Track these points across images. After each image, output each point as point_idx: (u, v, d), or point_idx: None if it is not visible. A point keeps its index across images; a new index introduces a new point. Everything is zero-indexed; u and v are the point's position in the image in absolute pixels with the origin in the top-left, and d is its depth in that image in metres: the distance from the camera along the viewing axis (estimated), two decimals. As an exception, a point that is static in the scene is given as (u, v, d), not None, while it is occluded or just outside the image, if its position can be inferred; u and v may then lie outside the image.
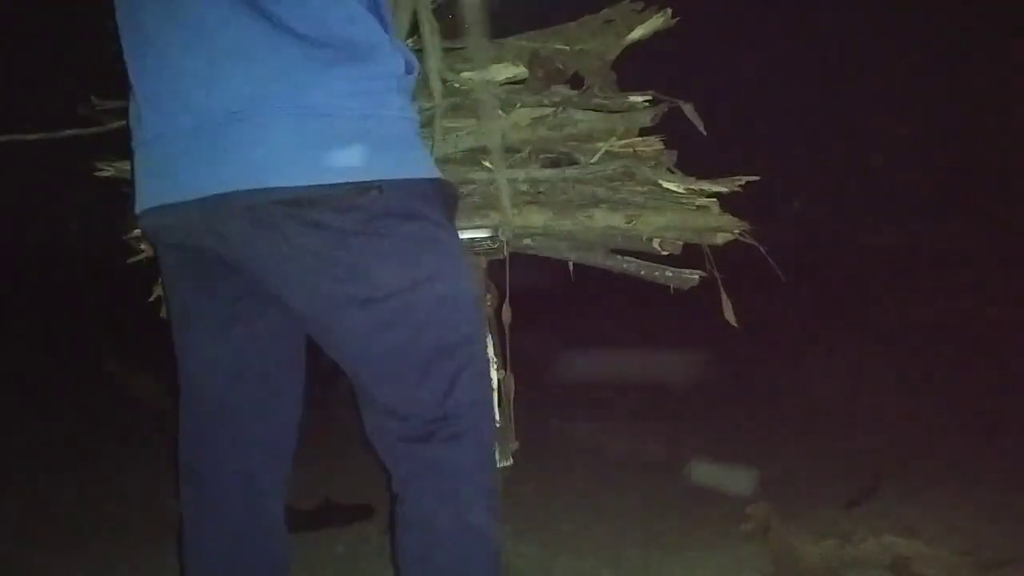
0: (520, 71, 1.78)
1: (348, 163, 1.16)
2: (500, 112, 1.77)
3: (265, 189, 1.15)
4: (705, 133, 1.75)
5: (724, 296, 1.75)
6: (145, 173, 1.30)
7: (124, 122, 1.79)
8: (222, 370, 1.35)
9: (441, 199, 1.30)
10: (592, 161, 1.75)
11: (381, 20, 1.24)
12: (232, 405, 1.37)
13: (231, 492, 1.39)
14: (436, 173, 1.30)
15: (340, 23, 1.18)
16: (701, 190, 1.73)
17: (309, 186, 1.15)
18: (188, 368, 1.39)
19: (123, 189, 1.88)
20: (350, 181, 1.16)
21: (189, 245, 1.28)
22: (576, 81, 1.83)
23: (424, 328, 1.24)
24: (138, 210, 1.31)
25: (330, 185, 1.16)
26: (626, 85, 1.83)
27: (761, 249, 1.77)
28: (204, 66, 1.17)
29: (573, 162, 1.79)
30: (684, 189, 1.73)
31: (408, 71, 1.27)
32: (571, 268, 1.89)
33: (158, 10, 1.20)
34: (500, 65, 1.76)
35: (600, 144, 1.73)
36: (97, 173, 1.85)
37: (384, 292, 1.21)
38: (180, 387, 1.41)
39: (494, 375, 1.81)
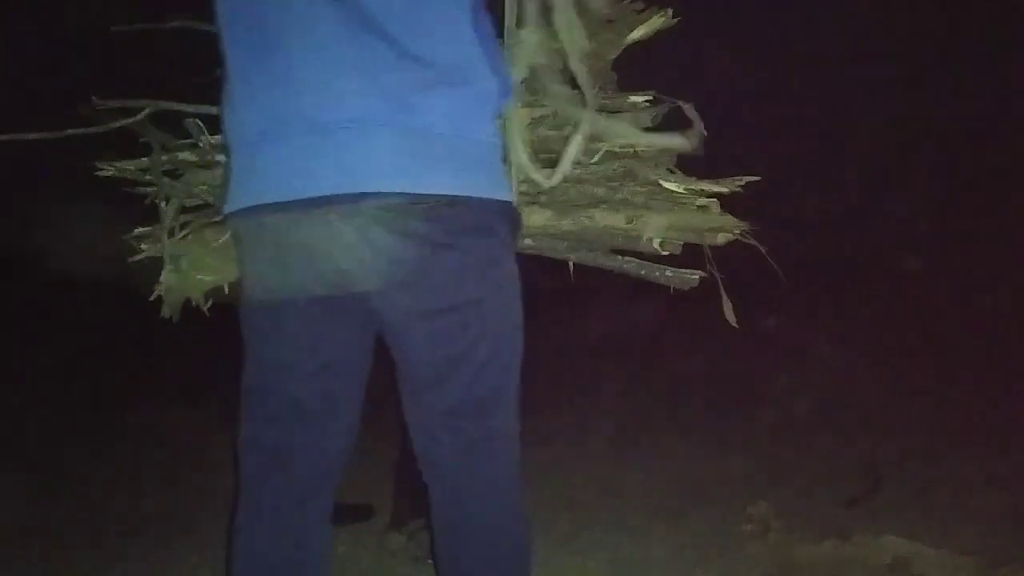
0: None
1: (440, 178, 1.26)
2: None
3: (364, 194, 1.23)
4: (705, 133, 1.75)
5: (724, 296, 1.75)
6: (245, 172, 1.34)
7: (125, 122, 1.81)
8: (302, 363, 1.38)
9: (512, 220, 1.40)
10: (592, 161, 1.75)
11: (483, 43, 1.32)
12: (307, 398, 1.39)
13: (294, 480, 1.42)
14: (512, 197, 1.40)
15: (446, 46, 1.27)
16: (701, 190, 1.73)
17: (404, 194, 1.24)
18: (264, 356, 1.40)
19: (124, 189, 1.89)
20: (441, 193, 1.26)
21: (282, 243, 1.31)
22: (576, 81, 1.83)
23: (480, 341, 1.34)
24: (234, 207, 1.35)
25: (423, 195, 1.25)
26: (627, 85, 1.83)
27: (761, 249, 1.77)
28: (319, 76, 1.25)
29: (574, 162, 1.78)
30: (684, 189, 1.73)
31: (503, 95, 1.36)
32: (571, 268, 1.89)
33: (280, 19, 1.27)
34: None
35: (601, 144, 1.73)
36: (98, 173, 1.85)
37: (455, 303, 1.31)
38: (250, 375, 1.42)
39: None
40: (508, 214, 1.38)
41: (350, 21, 1.24)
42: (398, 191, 1.24)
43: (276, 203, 1.28)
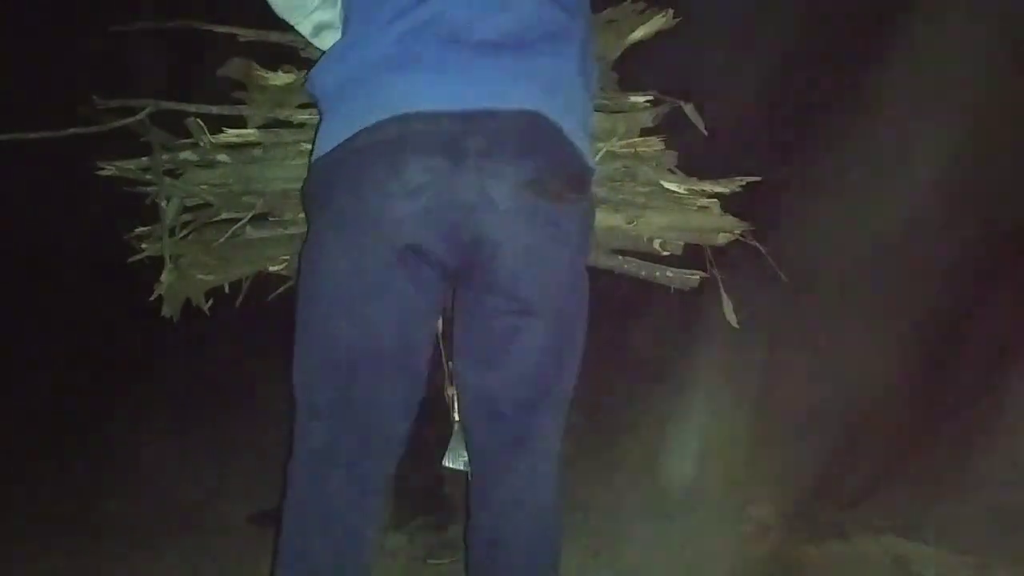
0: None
1: (584, 145, 1.32)
2: None
3: (534, 112, 1.25)
4: (706, 133, 1.75)
5: (724, 296, 1.75)
6: (374, 91, 1.26)
7: (125, 121, 1.81)
8: (369, 331, 1.31)
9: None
10: (594, 161, 1.75)
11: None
12: (369, 366, 1.33)
13: (359, 441, 1.37)
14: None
15: (581, 24, 1.35)
16: (702, 191, 1.73)
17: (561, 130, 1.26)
18: (329, 300, 1.33)
19: (125, 188, 1.89)
20: (586, 164, 1.33)
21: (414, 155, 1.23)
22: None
23: (561, 341, 1.38)
24: (371, 121, 1.25)
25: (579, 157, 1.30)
26: (628, 85, 1.83)
27: (761, 249, 1.77)
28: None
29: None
30: (685, 190, 1.73)
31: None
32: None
33: None
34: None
35: (601, 144, 1.73)
36: (99, 172, 1.85)
37: (560, 300, 1.35)
38: (306, 316, 1.36)
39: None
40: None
41: None
42: (539, 111, 1.24)
43: (425, 112, 1.22)
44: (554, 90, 1.28)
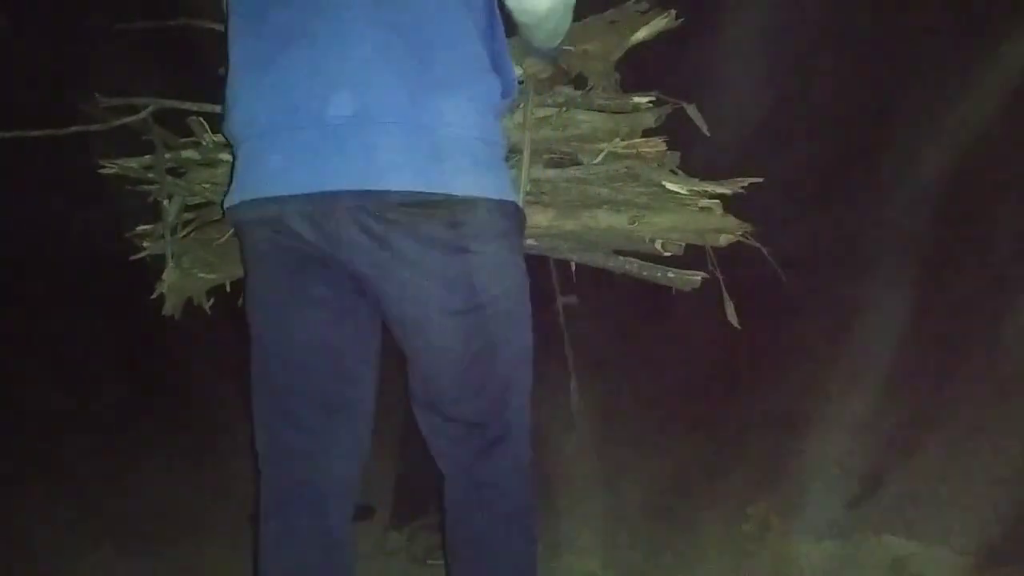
0: (519, 72, 1.78)
1: (455, 178, 1.25)
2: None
3: (376, 192, 1.22)
4: (708, 134, 1.75)
5: (726, 297, 1.75)
6: (252, 164, 1.32)
7: (127, 119, 1.81)
8: (308, 356, 1.37)
9: (519, 222, 1.42)
10: (595, 162, 1.75)
11: (491, 44, 1.32)
12: (328, 395, 1.39)
13: (311, 470, 1.40)
14: (518, 198, 1.42)
15: (453, 47, 1.27)
16: (704, 191, 1.73)
17: (419, 192, 1.22)
18: (268, 351, 1.40)
19: (127, 187, 1.89)
20: (458, 195, 1.25)
21: (285, 239, 1.30)
22: (580, 82, 1.83)
23: (494, 340, 1.36)
24: (237, 200, 1.33)
25: (441, 195, 1.23)
26: (630, 86, 1.83)
27: (763, 250, 1.77)
28: (329, 70, 1.23)
29: (576, 163, 1.79)
30: (688, 191, 1.73)
31: (504, 95, 1.34)
32: (573, 268, 1.89)
33: (289, 15, 1.26)
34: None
35: (603, 145, 1.73)
36: (101, 171, 1.85)
37: (472, 305, 1.32)
38: (254, 367, 1.41)
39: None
40: (515, 215, 1.39)
41: (359, 19, 1.23)
42: (410, 190, 1.23)
43: (283, 196, 1.27)
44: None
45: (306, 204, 1.25)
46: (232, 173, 1.39)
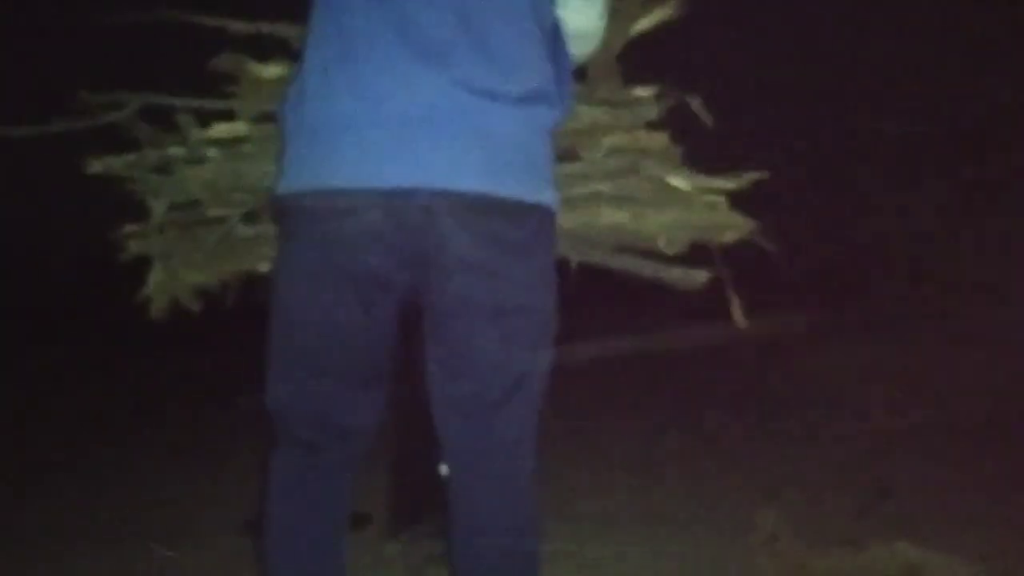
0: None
1: (516, 183, 1.32)
2: None
3: (447, 191, 1.28)
4: (712, 127, 1.71)
5: (732, 296, 1.71)
6: (314, 156, 1.35)
7: (112, 116, 1.77)
8: (333, 344, 1.40)
9: (556, 233, 1.47)
10: (596, 156, 1.71)
11: (557, 67, 1.40)
12: (336, 361, 1.41)
13: (322, 450, 1.44)
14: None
15: (526, 63, 1.34)
16: (709, 187, 1.70)
17: (486, 194, 1.29)
18: (301, 346, 1.42)
19: (114, 186, 1.85)
20: (522, 199, 1.32)
21: (343, 229, 1.32)
22: (580, 74, 1.79)
23: (527, 347, 1.39)
24: (298, 188, 1.36)
25: (504, 197, 1.30)
26: (632, 78, 1.79)
27: (770, 248, 1.73)
28: (410, 67, 1.29)
29: (576, 157, 1.75)
30: (692, 186, 1.69)
31: (564, 112, 1.43)
32: (573, 266, 1.85)
33: (373, 11, 1.32)
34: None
35: (605, 139, 1.69)
36: (89, 169, 1.81)
37: (518, 305, 1.36)
38: (275, 341, 1.43)
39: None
40: (555, 228, 1.44)
41: (445, 16, 1.30)
42: (481, 191, 1.29)
43: (353, 189, 1.30)
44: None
45: (380, 197, 1.29)
46: (288, 163, 1.39)
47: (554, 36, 1.41)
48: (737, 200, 1.72)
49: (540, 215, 1.36)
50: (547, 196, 1.38)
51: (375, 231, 1.31)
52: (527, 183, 1.34)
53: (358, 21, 1.32)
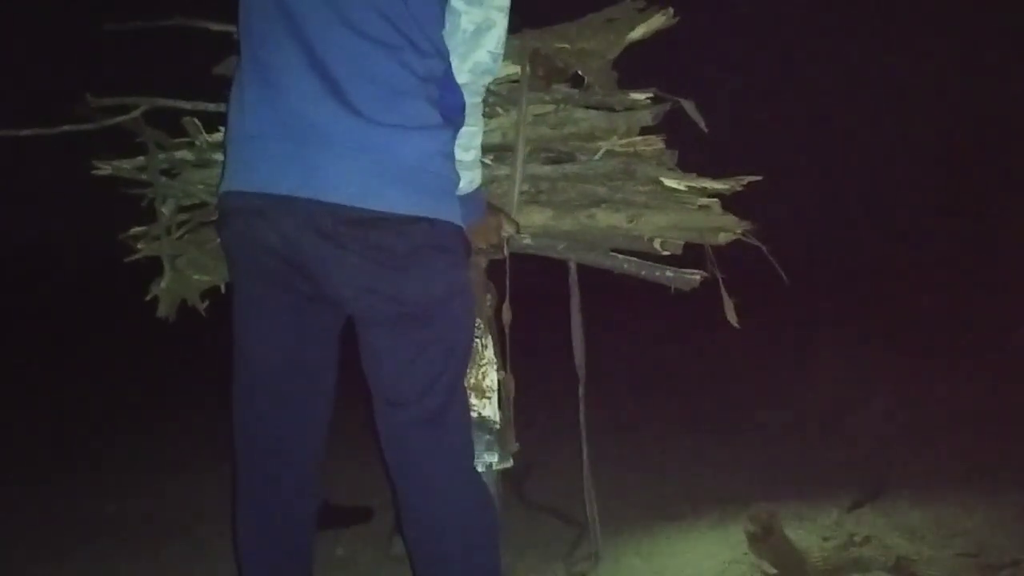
0: (515, 70, 1.76)
1: (402, 198, 1.42)
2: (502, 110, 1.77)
3: (329, 204, 1.40)
4: (707, 131, 1.74)
5: (726, 296, 1.73)
6: (234, 163, 1.50)
7: (119, 119, 1.80)
8: (278, 356, 1.56)
9: (465, 244, 1.57)
10: (593, 160, 1.74)
11: (444, 97, 1.48)
12: (284, 391, 1.58)
13: (280, 466, 1.63)
14: (463, 223, 1.54)
15: (412, 94, 1.44)
16: (703, 188, 1.72)
17: (368, 209, 1.40)
18: (245, 347, 1.58)
19: (121, 188, 1.88)
20: (403, 212, 1.42)
21: (254, 236, 1.47)
22: (577, 79, 1.82)
23: (434, 341, 1.52)
24: (222, 190, 1.51)
25: (387, 212, 1.41)
26: (627, 83, 1.82)
27: (764, 249, 1.76)
28: (314, 94, 1.42)
29: (574, 161, 1.77)
30: (686, 187, 1.72)
31: (457, 126, 1.51)
32: (572, 268, 1.87)
33: (284, 38, 1.45)
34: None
35: (601, 143, 1.71)
36: (95, 172, 1.84)
37: (416, 308, 1.49)
38: (235, 363, 1.59)
39: (493, 376, 1.80)
40: (462, 238, 1.55)
41: (345, 35, 1.41)
42: (363, 207, 1.40)
43: (255, 192, 1.44)
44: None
45: (271, 202, 1.43)
46: (224, 165, 1.54)
47: (444, 74, 1.48)
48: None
49: (425, 228, 1.45)
50: (437, 210, 1.47)
51: (280, 231, 1.43)
52: (412, 197, 1.43)
53: (273, 53, 1.45)
